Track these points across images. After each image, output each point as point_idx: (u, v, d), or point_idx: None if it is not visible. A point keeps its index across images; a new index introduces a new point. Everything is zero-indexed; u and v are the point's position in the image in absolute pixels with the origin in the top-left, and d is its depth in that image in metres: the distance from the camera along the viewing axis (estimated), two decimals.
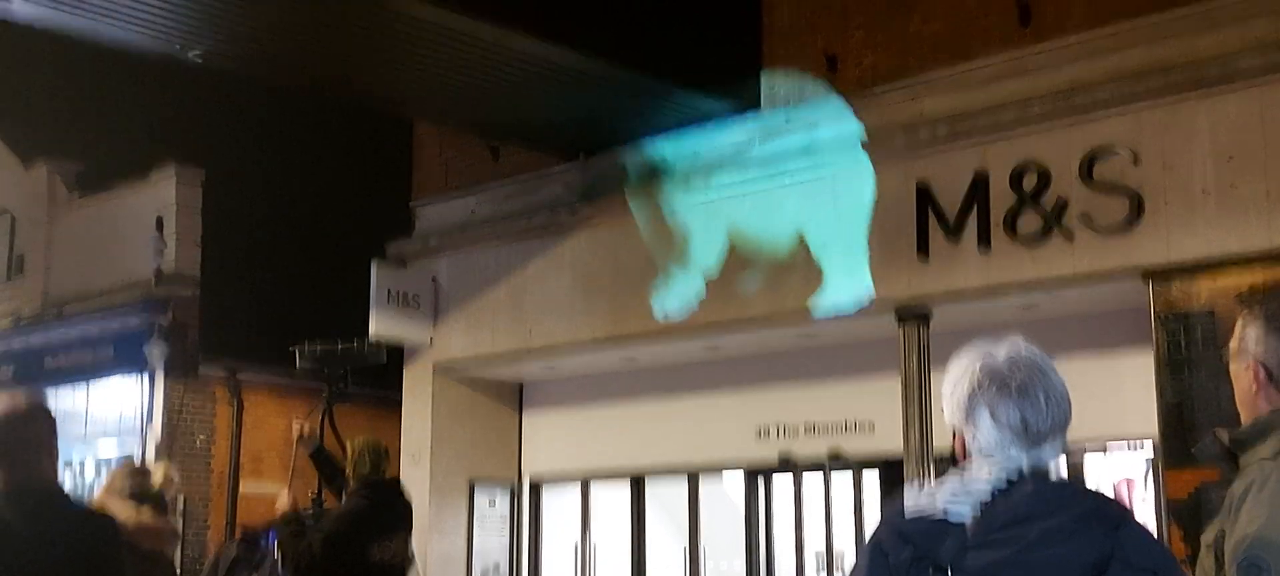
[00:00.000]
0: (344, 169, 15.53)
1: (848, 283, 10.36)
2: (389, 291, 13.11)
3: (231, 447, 14.98)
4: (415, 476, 13.22)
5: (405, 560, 6.43)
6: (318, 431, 7.35)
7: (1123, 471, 9.95)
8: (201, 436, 14.88)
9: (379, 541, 6.27)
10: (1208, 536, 2.49)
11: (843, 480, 11.42)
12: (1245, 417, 2.55)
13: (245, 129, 15.00)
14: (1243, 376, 2.54)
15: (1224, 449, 2.55)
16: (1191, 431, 8.13)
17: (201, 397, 14.90)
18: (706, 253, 11.33)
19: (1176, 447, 8.34)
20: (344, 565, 6.19)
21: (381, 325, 12.93)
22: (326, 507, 7.13)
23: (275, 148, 15.21)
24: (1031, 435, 2.19)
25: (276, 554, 6.73)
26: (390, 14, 9.67)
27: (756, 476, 12.10)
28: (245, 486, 14.62)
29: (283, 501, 6.68)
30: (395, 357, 13.47)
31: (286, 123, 15.03)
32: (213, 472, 14.91)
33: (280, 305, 14.41)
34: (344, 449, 6.94)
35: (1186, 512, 8.14)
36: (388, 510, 6.51)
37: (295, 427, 7.30)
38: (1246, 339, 2.52)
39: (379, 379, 13.86)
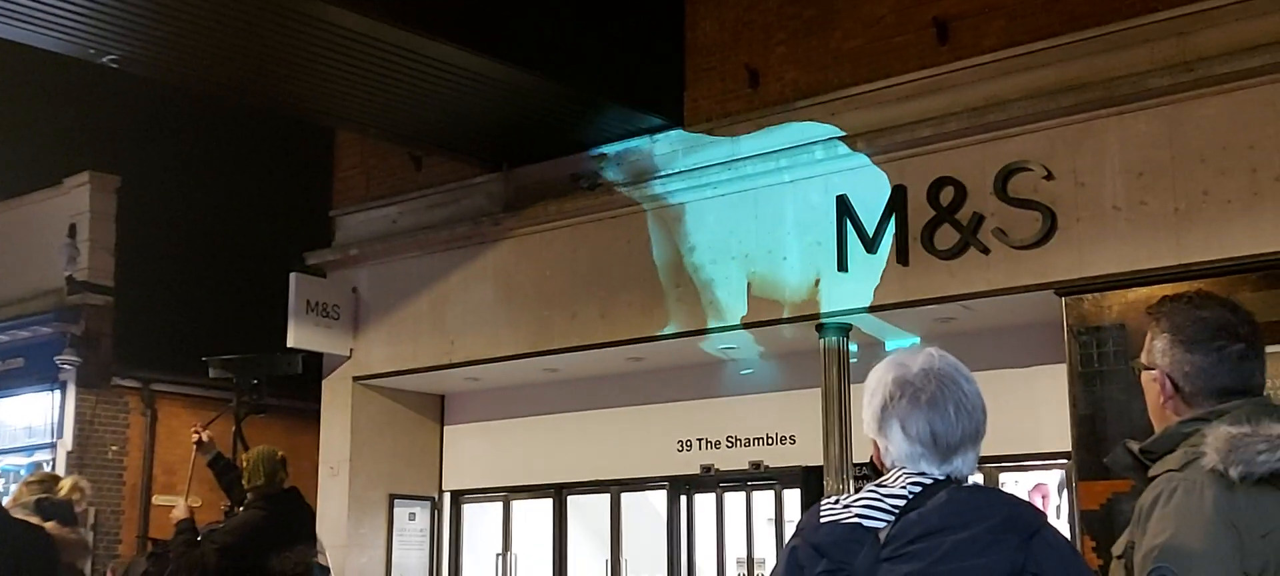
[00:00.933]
0: (263, 177, 15.30)
1: (768, 296, 10.43)
2: (308, 301, 12.92)
3: (144, 459, 14.67)
4: (333, 489, 13.05)
5: (308, 570, 6.28)
6: (213, 439, 7.21)
7: (1037, 484, 10.12)
8: (114, 447, 14.56)
9: (278, 552, 6.15)
10: (1117, 547, 2.51)
11: (764, 492, 11.48)
12: (1155, 428, 2.58)
13: (162, 135, 14.73)
14: (1151, 387, 2.57)
15: (1134, 460, 2.58)
16: (1104, 443, 8.30)
17: (114, 408, 14.58)
18: (630, 265, 11.34)
19: (1089, 459, 8.52)
20: (247, 573, 6.08)
21: (300, 335, 12.74)
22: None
23: (193, 155, 14.95)
24: (941, 447, 2.19)
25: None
26: (308, 20, 9.55)
27: (678, 489, 12.12)
28: (158, 498, 14.31)
29: (178, 511, 6.60)
30: (314, 368, 13.28)
31: (204, 129, 14.78)
32: (125, 484, 14.59)
33: (196, 315, 14.15)
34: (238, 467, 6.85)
35: (1099, 523, 8.30)
36: (285, 520, 6.40)
37: (194, 434, 7.14)
38: (1154, 350, 2.56)
39: (297, 390, 13.66)
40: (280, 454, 6.67)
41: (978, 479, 2.31)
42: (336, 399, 13.29)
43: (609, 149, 11.68)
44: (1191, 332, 2.51)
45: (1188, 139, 8.67)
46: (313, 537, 6.53)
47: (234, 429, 7.73)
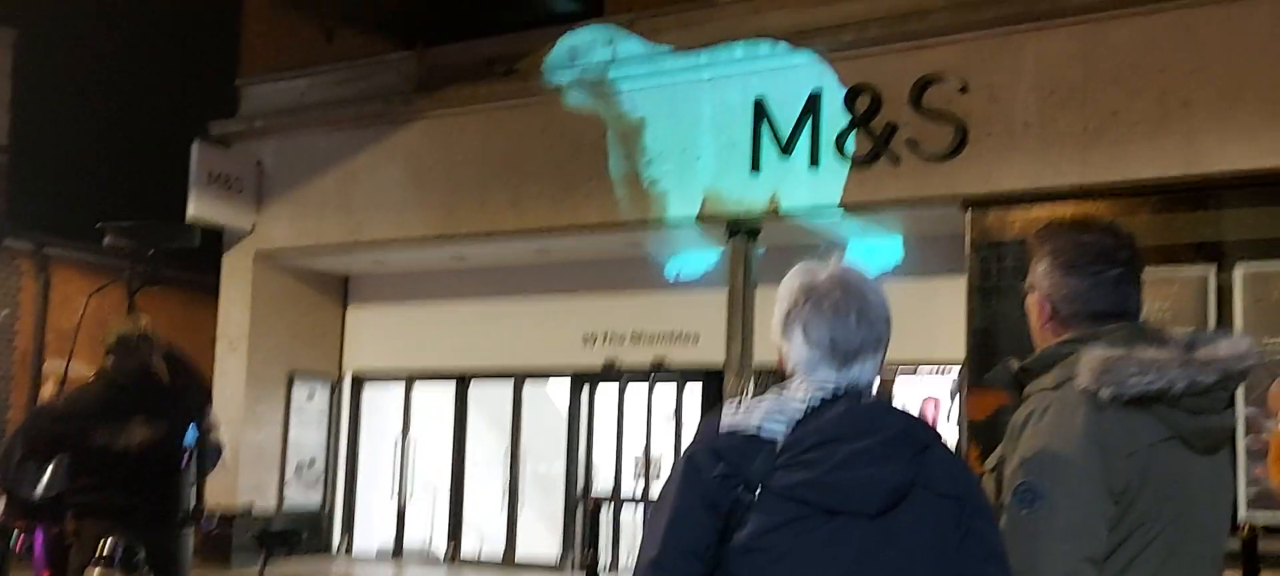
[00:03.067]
0: (168, 40, 14.77)
1: (680, 194, 10.38)
2: (210, 172, 12.58)
3: (36, 324, 14.30)
4: (231, 365, 12.86)
5: (146, 445, 5.96)
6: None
7: (931, 391, 10.32)
8: (4, 311, 14.16)
9: (106, 426, 5.91)
10: (990, 461, 2.55)
11: (666, 389, 11.55)
12: (1037, 349, 2.61)
13: None
14: (1033, 309, 2.60)
15: (1012, 377, 2.61)
16: (996, 356, 8.44)
17: (5, 271, 14.15)
18: (543, 155, 11.19)
19: (981, 371, 8.69)
20: (72, 448, 5.79)
21: (200, 207, 12.43)
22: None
23: (95, 12, 14.35)
24: (840, 354, 2.19)
25: None
26: None
27: (581, 382, 12.14)
28: (50, 364, 13.98)
29: (47, 389, 6.31)
30: (214, 242, 12.99)
31: None
32: (16, 350, 14.23)
33: (94, 178, 13.72)
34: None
35: (985, 433, 8.48)
36: (119, 396, 5.99)
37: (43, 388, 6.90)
38: (1036, 273, 2.58)
39: (196, 263, 13.33)
40: (136, 331, 6.15)
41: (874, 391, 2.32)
42: (237, 274, 13.03)
43: (525, 35, 11.43)
44: (1071, 257, 2.53)
45: (1101, 59, 8.72)
46: (157, 410, 6.15)
47: (129, 301, 7.51)
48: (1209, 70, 8.36)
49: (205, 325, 13.20)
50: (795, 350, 2.21)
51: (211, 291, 13.27)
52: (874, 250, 10.27)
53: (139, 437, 5.91)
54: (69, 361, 7.07)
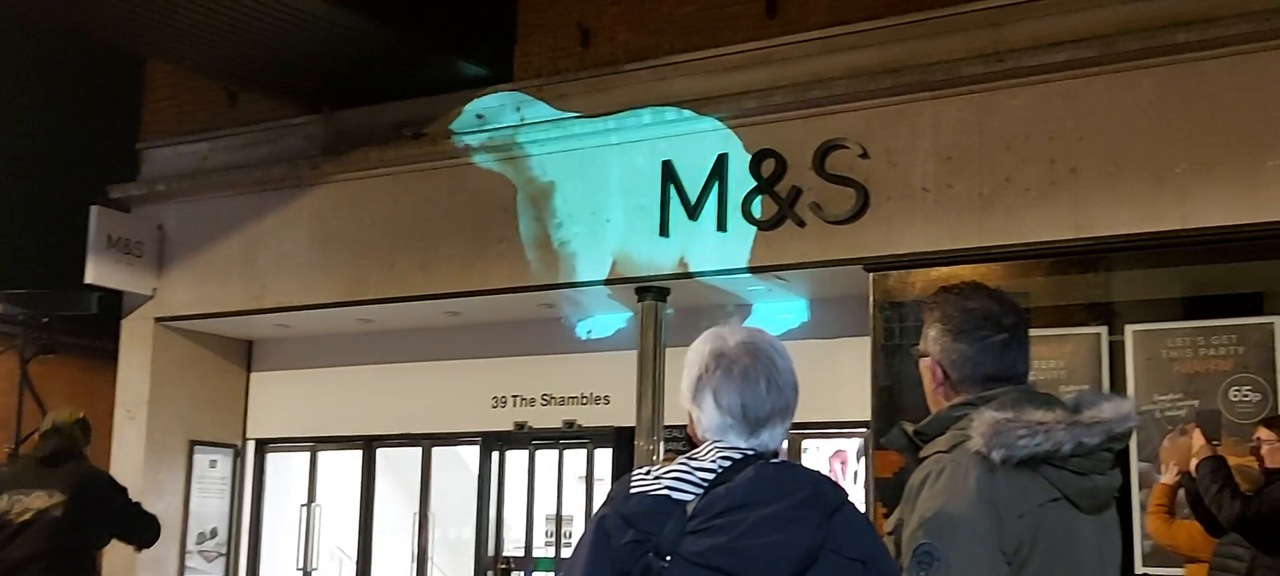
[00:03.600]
0: (65, 103, 14.41)
1: (590, 257, 10.44)
2: (109, 236, 12.32)
3: None
4: (130, 433, 12.54)
5: (40, 514, 6.30)
6: None
7: (837, 450, 10.46)
8: None
9: (9, 493, 6.27)
10: (888, 524, 2.60)
11: (577, 451, 11.54)
12: (930, 411, 2.68)
13: None
14: (926, 373, 2.68)
15: (908, 440, 2.67)
16: (900, 413, 8.57)
17: None
18: (452, 218, 11.18)
19: (886, 429, 8.76)
20: None
21: (100, 272, 12.16)
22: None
23: None
24: (750, 420, 2.23)
25: None
26: None
27: (491, 444, 12.07)
28: None
29: None
30: (113, 308, 12.71)
31: (4, 45, 13.86)
32: None
33: None
34: (39, 403, 6.71)
35: (891, 491, 8.62)
36: (27, 465, 6.54)
37: None
38: (928, 338, 2.65)
39: (94, 329, 13.02)
40: (63, 418, 6.64)
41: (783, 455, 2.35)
42: (136, 339, 12.74)
43: (433, 99, 11.45)
44: (959, 322, 2.61)
45: (995, 127, 9.01)
46: (62, 484, 6.35)
47: (19, 370, 7.41)
48: (1095, 137, 8.69)
49: (104, 393, 12.86)
50: (706, 416, 2.25)
51: (109, 358, 12.95)
52: (780, 312, 10.43)
53: (36, 506, 6.24)
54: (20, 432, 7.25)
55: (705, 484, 2.16)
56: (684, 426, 2.34)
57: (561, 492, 11.53)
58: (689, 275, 10.00)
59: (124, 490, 6.88)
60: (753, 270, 9.79)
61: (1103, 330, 8.58)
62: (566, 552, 11.44)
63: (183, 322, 12.71)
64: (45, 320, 7.70)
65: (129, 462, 12.25)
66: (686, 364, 2.32)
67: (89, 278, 12.04)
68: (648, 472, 2.22)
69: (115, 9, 10.39)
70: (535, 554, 11.68)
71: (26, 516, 6.20)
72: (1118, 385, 8.35)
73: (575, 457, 11.55)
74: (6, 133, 14.00)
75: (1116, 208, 8.56)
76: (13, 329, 9.80)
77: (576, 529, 11.47)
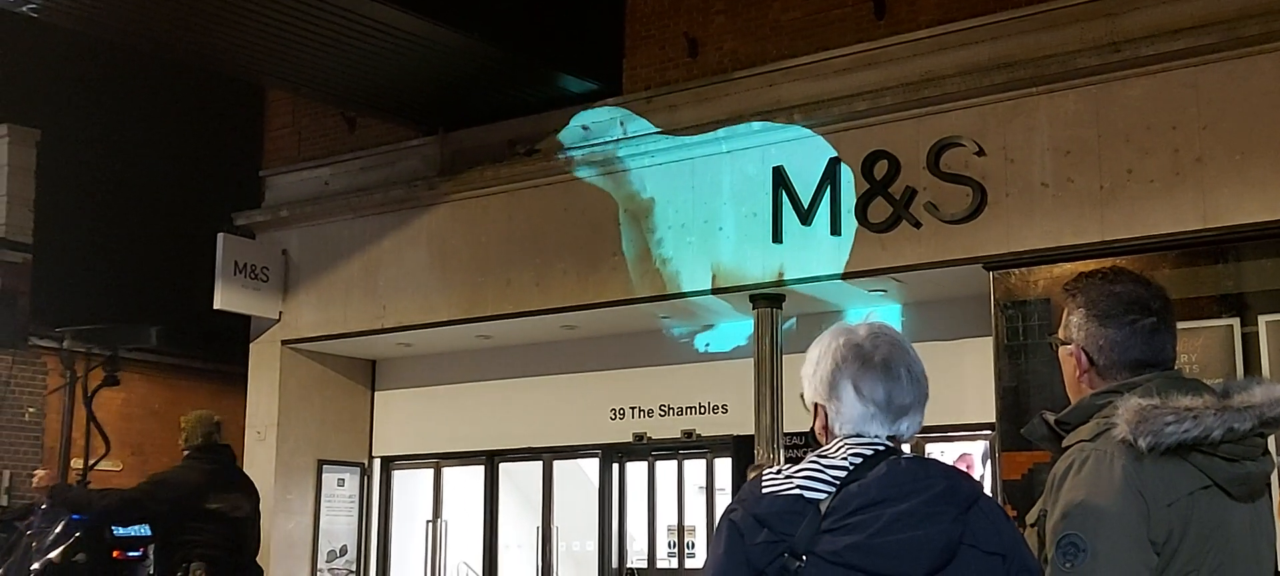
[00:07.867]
0: (191, 134, 14.98)
1: (703, 266, 10.47)
2: (236, 263, 12.73)
3: (63, 422, 14.38)
4: (260, 454, 12.91)
5: (247, 516, 6.94)
6: (57, 476, 7.98)
7: (962, 453, 10.29)
8: (31, 409, 14.25)
9: (216, 494, 6.99)
10: (1031, 516, 2.55)
11: (696, 460, 11.55)
12: (1072, 401, 2.63)
13: (85, 88, 14.34)
14: (1067, 361, 2.62)
15: (1049, 430, 2.62)
16: (1026, 415, 8.43)
17: (31, 369, 14.25)
18: (566, 232, 11.30)
19: (1012, 430, 8.67)
20: (178, 511, 6.93)
21: (227, 297, 12.57)
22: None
23: (117, 109, 14.58)
24: (894, 409, 2.21)
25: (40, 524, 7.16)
26: None
27: (611, 456, 12.15)
28: (77, 461, 14.04)
29: (41, 477, 7.47)
30: (242, 331, 13.12)
31: (130, 83, 14.41)
32: (45, 448, 14.29)
33: (120, 275, 13.86)
34: (103, 434, 7.98)
35: (1020, 492, 8.46)
36: (222, 469, 7.26)
37: (36, 478, 7.81)
38: (1069, 325, 2.60)
39: (225, 353, 13.49)
40: (216, 417, 7.44)
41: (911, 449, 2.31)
42: (264, 362, 13.13)
43: (546, 115, 11.60)
44: (1105, 307, 2.55)
45: (1113, 119, 8.81)
46: (248, 490, 7.29)
47: (88, 401, 7.95)
48: (1219, 125, 8.44)
49: (235, 415, 13.27)
50: (847, 407, 2.22)
51: (239, 381, 13.35)
52: (897, 314, 10.32)
53: (241, 505, 7.14)
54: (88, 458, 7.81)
55: (837, 481, 2.14)
56: (802, 433, 2.33)
57: (682, 502, 11.56)
58: (803, 280, 9.96)
59: None
60: (867, 273, 9.70)
61: (1235, 321, 8.31)
62: (690, 563, 11.46)
63: (308, 344, 13.06)
64: (109, 353, 8.34)
65: (260, 483, 12.40)
66: (812, 360, 2.29)
67: (217, 303, 12.46)
68: (778, 472, 2.19)
69: (236, 41, 10.75)
70: (659, 564, 11.71)
71: (241, 514, 6.93)
72: (1254, 375, 8.07)
73: (695, 467, 11.57)
74: (134, 167, 14.58)
75: (1244, 196, 8.30)
76: (139, 356, 10.27)
77: (698, 538, 11.48)
